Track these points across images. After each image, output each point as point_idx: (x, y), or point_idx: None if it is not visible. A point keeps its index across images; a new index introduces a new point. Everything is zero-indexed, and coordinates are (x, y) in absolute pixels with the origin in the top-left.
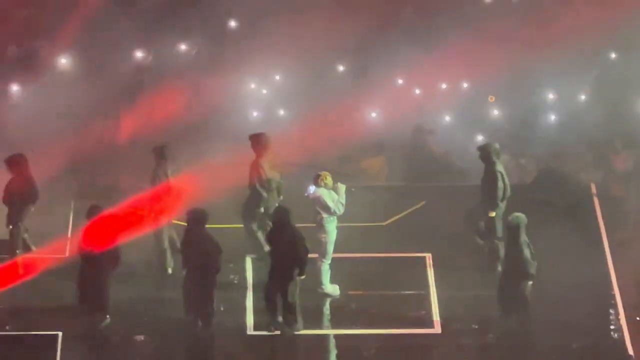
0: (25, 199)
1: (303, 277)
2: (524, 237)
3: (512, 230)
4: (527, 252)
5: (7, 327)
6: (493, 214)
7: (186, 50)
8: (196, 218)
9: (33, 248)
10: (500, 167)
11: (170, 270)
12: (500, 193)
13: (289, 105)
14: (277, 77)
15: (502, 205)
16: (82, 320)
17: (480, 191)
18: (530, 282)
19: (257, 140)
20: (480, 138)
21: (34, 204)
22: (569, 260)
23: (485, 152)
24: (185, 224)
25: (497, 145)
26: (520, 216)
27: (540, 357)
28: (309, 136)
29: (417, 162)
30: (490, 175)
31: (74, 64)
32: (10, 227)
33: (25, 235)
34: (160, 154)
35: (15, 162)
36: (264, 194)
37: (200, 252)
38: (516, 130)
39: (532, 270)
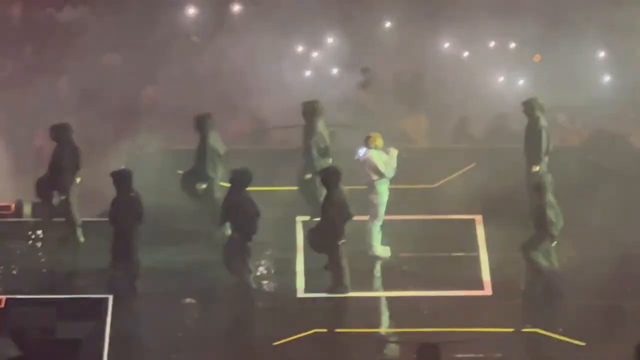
0: (70, 167)
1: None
2: (549, 197)
3: (538, 189)
4: (550, 213)
5: (57, 290)
6: (537, 168)
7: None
8: (240, 179)
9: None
10: (544, 122)
11: (221, 232)
12: (544, 146)
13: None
14: (330, 40)
15: (546, 160)
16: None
17: (523, 146)
18: (554, 243)
19: (311, 107)
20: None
21: (77, 172)
22: (620, 221)
23: (529, 107)
24: (229, 185)
25: (540, 100)
26: (545, 176)
27: (593, 317)
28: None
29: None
30: (534, 130)
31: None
32: (63, 197)
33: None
34: (202, 124)
35: (60, 131)
36: (320, 160)
37: (240, 213)
38: (566, 91)
39: (554, 230)
